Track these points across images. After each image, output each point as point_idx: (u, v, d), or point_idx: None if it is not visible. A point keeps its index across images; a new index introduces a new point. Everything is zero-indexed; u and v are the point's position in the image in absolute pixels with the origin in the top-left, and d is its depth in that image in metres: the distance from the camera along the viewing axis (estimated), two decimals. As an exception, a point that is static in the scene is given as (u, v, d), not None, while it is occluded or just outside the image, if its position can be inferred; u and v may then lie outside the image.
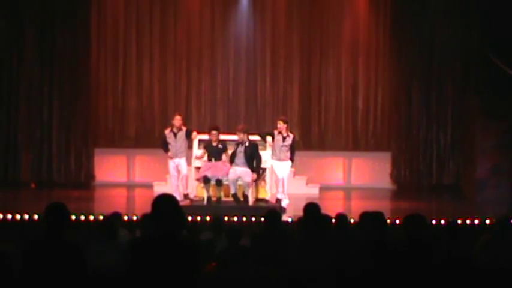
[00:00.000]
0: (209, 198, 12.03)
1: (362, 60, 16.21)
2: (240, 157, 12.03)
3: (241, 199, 11.97)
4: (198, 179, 12.26)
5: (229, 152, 12.20)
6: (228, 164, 12.10)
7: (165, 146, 12.54)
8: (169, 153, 12.51)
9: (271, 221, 6.84)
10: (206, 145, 12.29)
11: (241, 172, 11.93)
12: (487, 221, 10.76)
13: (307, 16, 16.16)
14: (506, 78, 13.40)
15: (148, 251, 4.28)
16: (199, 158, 12.42)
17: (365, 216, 5.67)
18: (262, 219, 7.21)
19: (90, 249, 6.53)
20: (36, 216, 10.69)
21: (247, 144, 12.06)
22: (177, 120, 12.54)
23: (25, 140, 15.62)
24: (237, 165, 12.02)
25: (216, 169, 12.03)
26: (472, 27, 14.57)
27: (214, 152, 12.18)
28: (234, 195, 11.93)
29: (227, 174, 12.00)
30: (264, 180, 12.62)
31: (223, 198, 12.08)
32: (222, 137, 12.45)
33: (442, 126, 15.77)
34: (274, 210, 7.37)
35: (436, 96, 15.75)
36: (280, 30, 16.27)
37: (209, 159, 12.18)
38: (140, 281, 4.25)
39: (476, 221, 10.90)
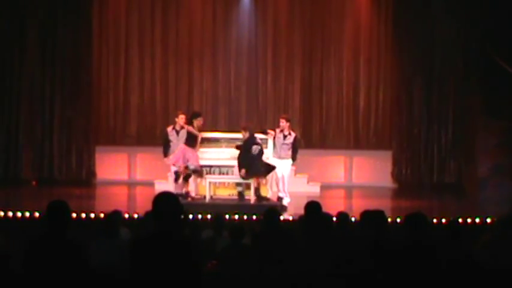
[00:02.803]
0: (186, 193, 12.19)
1: (363, 58, 16.20)
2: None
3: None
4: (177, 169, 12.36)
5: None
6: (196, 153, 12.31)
7: (165, 149, 12.52)
8: (167, 161, 12.55)
9: (270, 220, 6.83)
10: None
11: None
12: (488, 220, 10.76)
13: (309, 14, 16.15)
14: (507, 77, 13.39)
15: (149, 249, 4.28)
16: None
17: (366, 214, 5.68)
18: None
19: (91, 247, 6.53)
20: (37, 214, 10.69)
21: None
22: (181, 119, 12.56)
23: (27, 138, 15.61)
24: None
25: (187, 156, 12.15)
26: (473, 26, 14.55)
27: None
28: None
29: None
30: (265, 178, 12.65)
31: (227, 196, 12.21)
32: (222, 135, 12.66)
33: (444, 125, 15.76)
34: (273, 209, 7.35)
35: (437, 94, 15.73)
36: (281, 28, 16.26)
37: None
38: (141, 279, 4.25)
39: (478, 220, 10.90)
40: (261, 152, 12.03)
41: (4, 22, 15.43)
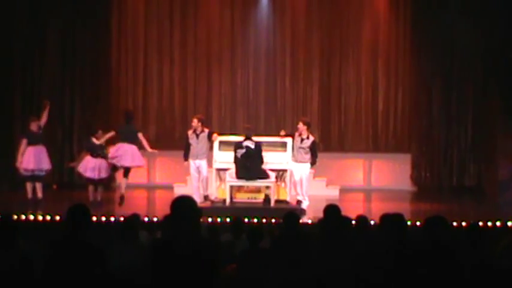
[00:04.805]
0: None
1: (382, 61, 16.17)
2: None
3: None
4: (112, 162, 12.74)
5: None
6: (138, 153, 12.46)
7: (186, 153, 12.56)
8: (185, 163, 12.61)
9: (289, 223, 6.83)
10: None
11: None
12: (509, 224, 10.68)
13: (327, 17, 16.15)
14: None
15: (168, 253, 4.30)
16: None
17: (385, 218, 5.65)
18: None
19: (111, 250, 6.56)
20: (58, 218, 10.76)
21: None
22: (194, 122, 12.62)
23: (47, 142, 15.68)
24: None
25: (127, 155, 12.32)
26: (492, 27, 14.47)
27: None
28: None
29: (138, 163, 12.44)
30: (284, 181, 12.64)
31: (246, 200, 12.19)
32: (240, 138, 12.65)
33: (463, 127, 15.68)
34: (292, 212, 7.33)
35: (456, 96, 15.65)
36: (299, 31, 16.27)
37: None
38: (160, 282, 4.27)
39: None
40: (246, 155, 12.02)
41: (25, 27, 15.56)
